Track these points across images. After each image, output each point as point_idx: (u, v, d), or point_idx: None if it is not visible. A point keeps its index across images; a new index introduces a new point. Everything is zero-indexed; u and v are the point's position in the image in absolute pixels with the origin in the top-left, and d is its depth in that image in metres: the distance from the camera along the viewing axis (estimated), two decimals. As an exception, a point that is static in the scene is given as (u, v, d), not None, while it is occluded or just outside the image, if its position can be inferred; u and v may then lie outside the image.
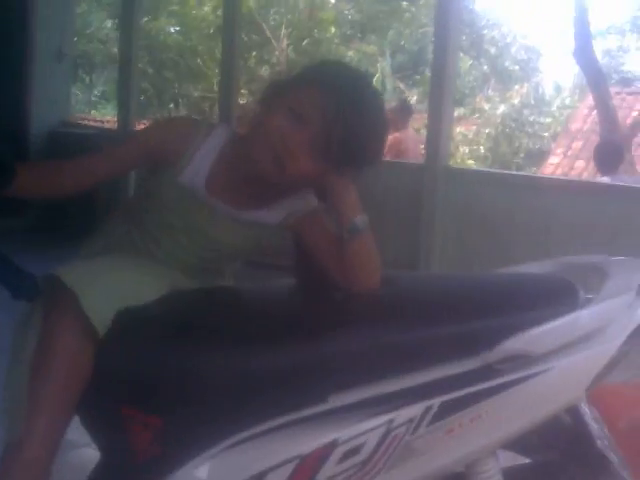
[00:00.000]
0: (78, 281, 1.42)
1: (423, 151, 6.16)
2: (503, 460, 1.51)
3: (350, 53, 14.20)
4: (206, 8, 11.63)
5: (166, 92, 12.60)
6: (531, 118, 14.88)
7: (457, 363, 1.38)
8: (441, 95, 4.93)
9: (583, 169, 12.16)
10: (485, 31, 15.15)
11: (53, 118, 7.06)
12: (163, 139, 1.60)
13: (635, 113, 12.63)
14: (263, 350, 1.39)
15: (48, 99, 7.03)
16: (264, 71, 12.08)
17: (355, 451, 1.33)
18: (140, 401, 1.40)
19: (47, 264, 1.52)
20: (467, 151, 13.98)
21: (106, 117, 11.38)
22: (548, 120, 15.19)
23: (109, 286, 1.45)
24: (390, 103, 9.40)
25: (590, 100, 12.20)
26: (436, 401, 1.35)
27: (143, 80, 9.37)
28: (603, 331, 1.42)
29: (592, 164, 6.71)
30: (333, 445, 1.32)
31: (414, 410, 1.34)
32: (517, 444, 1.52)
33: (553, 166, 12.65)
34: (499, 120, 14.59)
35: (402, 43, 13.92)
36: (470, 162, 13.31)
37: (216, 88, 11.29)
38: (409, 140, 7.39)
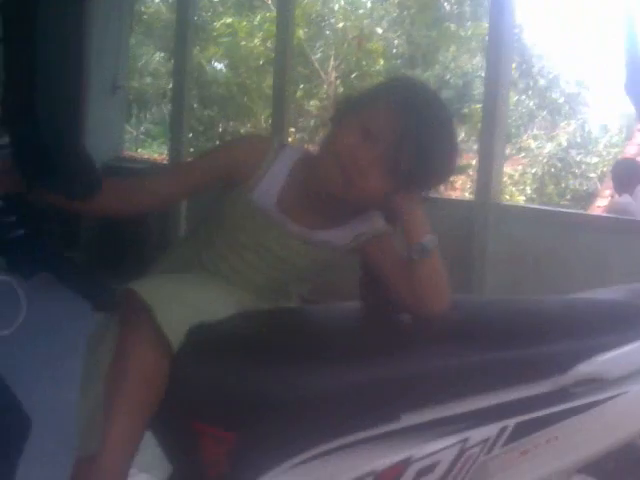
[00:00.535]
0: (154, 295, 1.43)
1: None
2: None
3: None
4: (256, 40, 11.51)
5: (212, 128, 12.58)
6: (578, 158, 14.70)
7: (532, 385, 1.38)
8: (492, 130, 4.88)
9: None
10: (534, 60, 14.90)
11: (107, 152, 7.00)
12: (237, 157, 1.60)
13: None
14: (337, 368, 1.39)
15: (102, 133, 7.02)
16: (312, 105, 11.94)
17: (429, 469, 1.32)
18: (212, 416, 1.41)
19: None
20: (514, 191, 13.83)
21: (153, 155, 11.42)
22: (595, 160, 15.01)
23: (183, 301, 1.47)
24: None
25: (638, 138, 12.04)
26: (512, 422, 1.35)
27: (191, 116, 9.40)
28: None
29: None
30: (407, 462, 1.32)
31: (489, 430, 1.34)
32: (593, 468, 1.50)
33: (600, 209, 12.48)
34: (545, 160, 14.43)
35: (447, 78, 13.79)
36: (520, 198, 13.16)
37: (264, 124, 11.33)
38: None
